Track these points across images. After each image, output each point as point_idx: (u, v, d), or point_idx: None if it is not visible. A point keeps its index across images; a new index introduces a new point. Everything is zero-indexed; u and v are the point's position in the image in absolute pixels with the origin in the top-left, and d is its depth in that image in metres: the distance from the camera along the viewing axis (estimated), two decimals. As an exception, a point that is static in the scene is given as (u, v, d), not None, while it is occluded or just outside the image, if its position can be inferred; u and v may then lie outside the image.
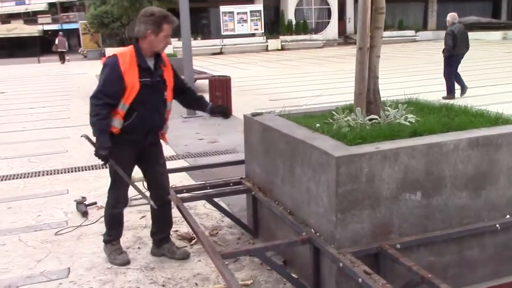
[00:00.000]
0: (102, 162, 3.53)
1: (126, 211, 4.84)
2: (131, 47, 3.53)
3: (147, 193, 3.91)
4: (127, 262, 3.87)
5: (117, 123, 3.49)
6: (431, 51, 25.26)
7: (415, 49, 27.46)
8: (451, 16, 11.15)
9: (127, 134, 3.54)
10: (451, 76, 10.98)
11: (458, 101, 8.32)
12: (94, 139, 3.55)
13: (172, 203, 3.97)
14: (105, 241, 3.96)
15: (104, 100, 3.40)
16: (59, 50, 29.36)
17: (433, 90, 10.64)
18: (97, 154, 3.48)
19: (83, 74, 20.56)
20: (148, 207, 4.86)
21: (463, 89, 11.00)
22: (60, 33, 32.30)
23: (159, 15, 3.43)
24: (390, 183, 2.99)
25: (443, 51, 11.15)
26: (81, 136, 3.79)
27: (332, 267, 3.00)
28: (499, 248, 3.37)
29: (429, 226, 3.15)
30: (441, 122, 3.47)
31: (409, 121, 3.51)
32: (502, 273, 3.33)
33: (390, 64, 18.34)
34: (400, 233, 3.08)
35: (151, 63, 3.55)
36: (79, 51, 35.20)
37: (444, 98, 10.19)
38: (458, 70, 11.10)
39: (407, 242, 3.03)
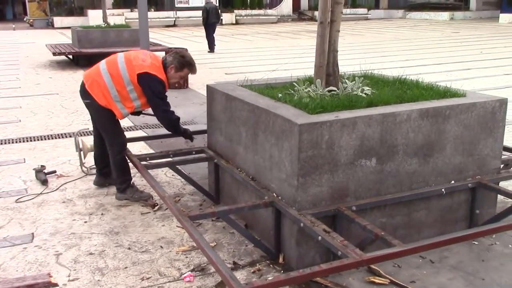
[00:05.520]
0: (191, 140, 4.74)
1: (88, 179, 4.92)
2: (161, 70, 4.30)
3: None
4: (150, 195, 4.51)
5: (125, 113, 4.37)
6: (382, 30, 25.85)
7: (367, 27, 27.98)
8: (205, 0, 18.08)
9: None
10: (209, 38, 16.85)
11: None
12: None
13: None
14: (123, 188, 4.46)
15: (169, 104, 4.40)
16: None
17: (386, 67, 11.00)
18: (189, 137, 4.64)
19: (31, 43, 19.81)
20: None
21: (213, 49, 16.77)
22: None
23: (187, 60, 4.37)
24: (348, 149, 3.20)
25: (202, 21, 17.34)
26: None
27: (293, 228, 3.20)
28: (444, 211, 3.67)
29: (382, 190, 3.39)
30: (395, 94, 3.70)
31: (365, 93, 3.72)
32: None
33: (343, 41, 18.64)
34: (356, 196, 3.30)
35: None
36: (25, 19, 33.64)
37: (208, 52, 16.58)
38: (214, 35, 17.05)
39: (362, 205, 3.27)
